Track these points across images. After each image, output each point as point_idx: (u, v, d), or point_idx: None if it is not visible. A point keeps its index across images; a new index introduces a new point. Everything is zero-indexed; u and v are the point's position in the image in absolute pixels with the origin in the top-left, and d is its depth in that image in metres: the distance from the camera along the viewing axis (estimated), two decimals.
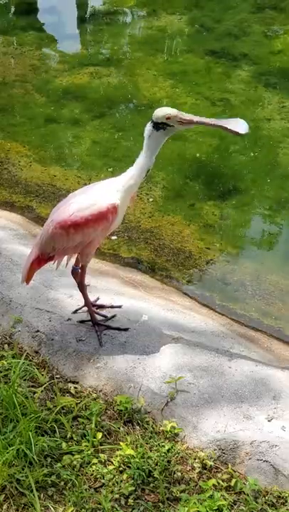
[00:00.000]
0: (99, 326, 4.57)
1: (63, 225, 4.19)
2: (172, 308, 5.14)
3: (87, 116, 8.20)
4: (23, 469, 3.68)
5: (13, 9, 11.52)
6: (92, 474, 3.71)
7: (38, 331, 4.61)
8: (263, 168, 7.24)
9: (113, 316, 4.69)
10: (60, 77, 9.06)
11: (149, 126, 4.06)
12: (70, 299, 4.85)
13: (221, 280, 5.86)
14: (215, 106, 8.23)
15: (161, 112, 4.02)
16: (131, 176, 4.18)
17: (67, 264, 4.47)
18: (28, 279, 4.47)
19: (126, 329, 4.59)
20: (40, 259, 4.39)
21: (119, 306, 4.81)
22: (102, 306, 4.79)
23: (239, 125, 3.98)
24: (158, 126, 4.04)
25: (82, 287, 4.50)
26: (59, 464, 3.73)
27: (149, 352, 4.42)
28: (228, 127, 3.97)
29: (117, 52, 9.95)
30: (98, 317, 4.64)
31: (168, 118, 4.01)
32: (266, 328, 5.34)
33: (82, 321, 4.64)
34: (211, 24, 10.44)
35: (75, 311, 4.74)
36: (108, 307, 4.79)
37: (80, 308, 4.73)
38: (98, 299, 4.85)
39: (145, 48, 9.88)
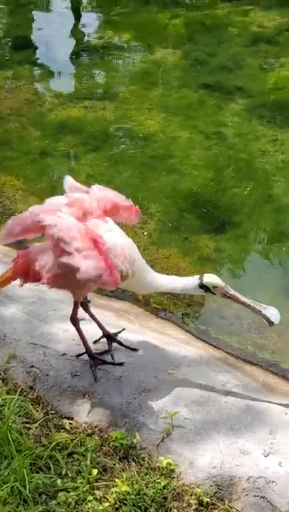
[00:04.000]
0: (94, 361, 4.53)
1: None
2: (168, 342, 5.12)
3: (83, 150, 8.24)
4: (17, 507, 3.64)
5: (9, 43, 11.62)
6: (87, 511, 3.68)
7: (32, 366, 4.58)
8: (257, 200, 7.25)
9: (107, 351, 4.67)
10: (56, 111, 9.11)
11: (196, 283, 4.33)
12: (65, 333, 4.82)
13: (217, 313, 5.84)
14: (209, 139, 8.26)
15: (213, 280, 4.30)
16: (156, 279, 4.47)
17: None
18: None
19: (121, 364, 4.56)
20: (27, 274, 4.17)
21: (136, 350, 4.74)
22: (121, 344, 4.73)
23: (273, 315, 4.29)
24: (203, 287, 4.30)
25: (74, 322, 4.44)
26: (54, 501, 3.69)
27: (145, 387, 4.39)
28: (263, 312, 4.27)
29: (111, 85, 10.01)
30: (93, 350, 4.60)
31: (215, 287, 4.28)
32: (262, 362, 5.32)
33: (78, 355, 4.61)
34: (205, 58, 10.51)
35: (96, 342, 4.71)
36: (126, 347, 4.74)
37: (100, 339, 4.72)
38: (124, 329, 4.86)
39: (140, 82, 9.95)
